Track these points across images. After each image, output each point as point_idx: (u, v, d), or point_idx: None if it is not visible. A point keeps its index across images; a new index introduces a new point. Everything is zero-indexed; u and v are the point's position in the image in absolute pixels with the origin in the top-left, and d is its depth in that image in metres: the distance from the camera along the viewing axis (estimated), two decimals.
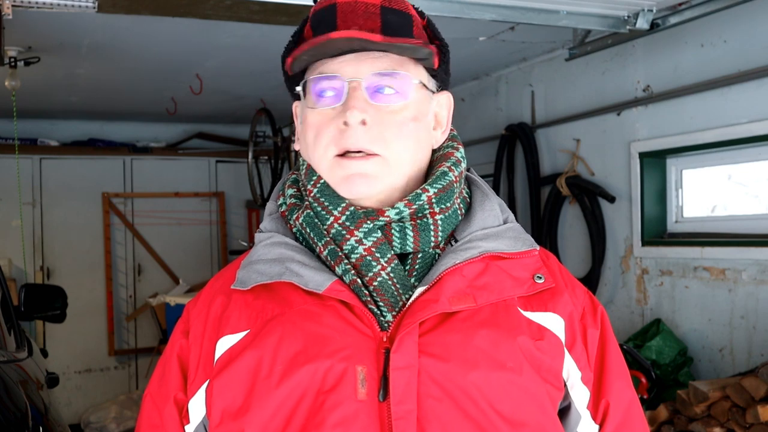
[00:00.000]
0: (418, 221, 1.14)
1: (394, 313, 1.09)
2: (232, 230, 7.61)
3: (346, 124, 1.11)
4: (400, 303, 1.10)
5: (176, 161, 7.36)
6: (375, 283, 1.10)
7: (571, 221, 4.58)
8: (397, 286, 1.11)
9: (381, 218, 1.12)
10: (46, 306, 3.84)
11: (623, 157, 4.14)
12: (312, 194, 1.16)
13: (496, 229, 1.17)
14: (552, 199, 4.59)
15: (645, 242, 4.04)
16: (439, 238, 1.15)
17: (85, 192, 7.02)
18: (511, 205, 5.02)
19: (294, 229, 1.19)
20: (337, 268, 1.11)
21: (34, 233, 6.82)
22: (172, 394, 1.19)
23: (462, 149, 1.25)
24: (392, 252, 1.12)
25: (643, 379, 3.50)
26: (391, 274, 1.11)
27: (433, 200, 1.15)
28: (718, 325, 3.64)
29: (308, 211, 1.16)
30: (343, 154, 1.12)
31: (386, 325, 1.08)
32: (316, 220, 1.15)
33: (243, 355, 1.10)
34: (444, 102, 1.25)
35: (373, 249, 1.11)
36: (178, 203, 7.37)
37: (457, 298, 1.09)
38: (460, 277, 1.10)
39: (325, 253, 1.13)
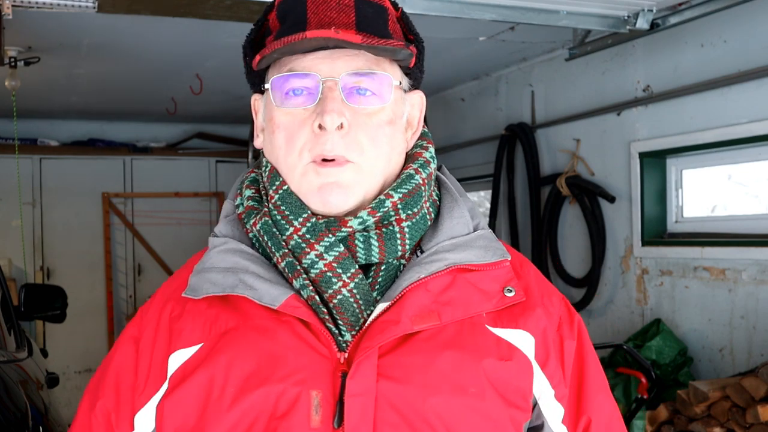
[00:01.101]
0: (384, 229, 1.06)
1: (353, 332, 1.02)
2: None
3: (321, 127, 1.03)
4: (361, 320, 1.03)
5: (176, 161, 7.36)
6: (335, 301, 1.02)
7: (571, 221, 4.58)
8: (360, 302, 1.03)
9: (343, 229, 1.04)
10: (46, 306, 3.84)
11: (623, 157, 4.14)
12: (273, 201, 1.08)
13: (464, 238, 1.09)
14: (552, 199, 4.59)
15: (645, 242, 4.04)
16: (407, 247, 1.07)
17: (85, 192, 7.02)
18: (511, 205, 5.02)
19: (250, 234, 1.11)
20: (294, 282, 1.04)
21: (34, 233, 6.82)
22: (105, 409, 1.11)
23: (432, 148, 1.16)
24: (356, 266, 1.04)
25: (643, 379, 3.50)
26: (354, 291, 1.03)
27: (399, 206, 1.07)
28: (718, 325, 3.64)
29: (266, 218, 1.07)
30: (319, 161, 1.05)
31: (344, 345, 1.01)
32: (274, 230, 1.06)
33: (195, 374, 1.03)
34: (416, 102, 1.16)
35: (335, 264, 1.03)
36: (178, 203, 7.37)
37: (420, 317, 1.01)
38: (425, 293, 1.03)
39: (282, 264, 1.05)
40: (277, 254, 1.05)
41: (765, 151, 3.51)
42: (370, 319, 1.01)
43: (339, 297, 1.02)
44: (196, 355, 1.05)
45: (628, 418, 3.50)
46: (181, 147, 7.38)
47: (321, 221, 1.05)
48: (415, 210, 1.08)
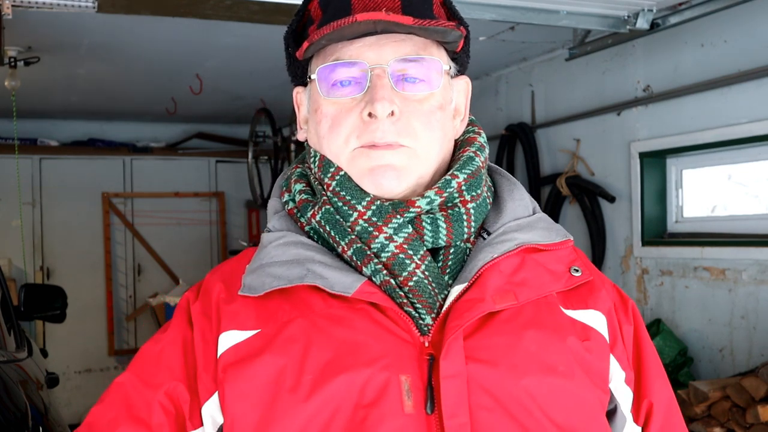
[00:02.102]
0: (449, 211, 1.04)
1: (432, 315, 0.99)
2: (232, 230, 7.61)
3: (371, 115, 1.00)
4: (437, 304, 1.00)
5: (176, 161, 7.36)
6: (410, 283, 0.99)
7: (571, 221, 4.58)
8: (433, 285, 1.00)
9: (411, 209, 1.02)
10: (46, 306, 3.84)
11: (623, 157, 4.14)
12: (331, 188, 1.04)
13: (527, 219, 1.08)
14: (552, 199, 4.59)
15: (645, 242, 4.04)
16: (472, 229, 1.05)
17: (85, 192, 7.02)
18: None
19: (307, 228, 1.08)
20: (365, 269, 1.01)
21: (33, 233, 6.82)
22: (166, 384, 1.03)
23: (484, 134, 1.14)
24: (424, 248, 1.02)
25: None
26: (426, 272, 1.00)
27: (463, 187, 1.05)
28: (718, 325, 3.64)
29: (327, 206, 1.04)
30: (368, 147, 1.02)
31: (426, 328, 0.98)
32: (337, 217, 1.03)
33: (259, 360, 0.97)
34: (463, 88, 1.14)
35: (406, 246, 1.00)
36: (178, 203, 7.37)
37: (500, 296, 0.99)
38: (498, 273, 1.01)
39: (349, 252, 1.02)
40: (343, 242, 1.02)
41: (765, 151, 3.51)
42: (450, 299, 0.99)
43: (414, 279, 1.00)
44: (253, 342, 1.00)
45: None
46: (181, 147, 7.38)
47: (387, 203, 1.02)
48: (478, 192, 1.06)
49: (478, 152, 1.09)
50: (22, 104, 5.67)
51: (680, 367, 3.72)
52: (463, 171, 1.06)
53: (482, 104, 5.38)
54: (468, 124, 1.14)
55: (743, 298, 3.50)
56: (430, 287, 1.00)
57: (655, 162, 4.04)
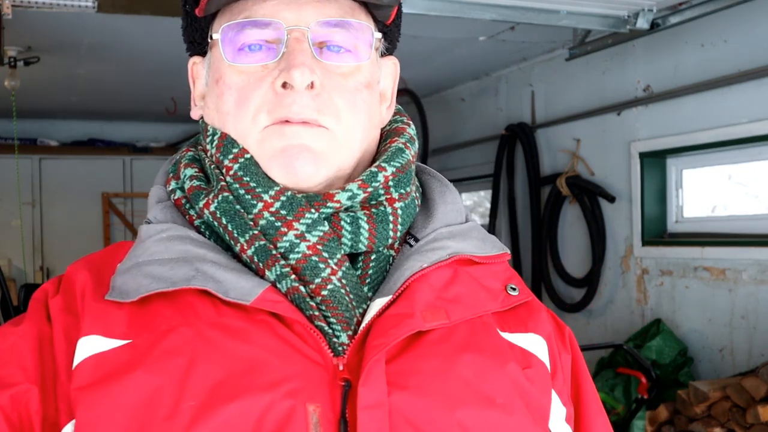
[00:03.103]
0: (374, 210, 0.87)
1: (349, 332, 0.81)
2: None
3: (285, 86, 0.83)
4: (355, 319, 0.82)
5: None
6: (324, 293, 0.82)
7: (572, 221, 4.58)
8: (351, 296, 0.83)
9: (329, 204, 0.85)
10: None
11: (623, 157, 4.14)
12: (231, 172, 0.86)
13: (460, 227, 0.92)
14: (552, 199, 4.59)
15: (645, 242, 4.04)
16: (398, 233, 0.89)
17: (85, 192, 7.02)
18: (511, 205, 5.02)
19: (197, 222, 0.89)
20: (268, 273, 0.82)
21: (33, 233, 6.82)
22: (16, 386, 0.80)
23: (413, 126, 0.99)
24: (342, 251, 0.85)
25: (644, 379, 3.50)
26: (343, 281, 0.83)
27: (391, 182, 0.89)
28: (719, 325, 3.64)
29: (226, 194, 0.85)
30: (281, 123, 0.85)
31: (341, 348, 0.80)
32: (237, 207, 0.85)
33: (127, 379, 0.76)
34: (391, 71, 0.98)
35: (320, 247, 0.83)
36: None
37: (430, 313, 0.83)
38: (428, 286, 0.85)
39: (250, 251, 0.83)
40: (242, 239, 0.84)
41: (765, 150, 3.51)
42: (370, 314, 0.82)
43: (329, 287, 0.82)
44: (119, 354, 0.79)
45: (628, 418, 3.50)
46: (181, 147, 7.37)
47: (300, 195, 0.85)
48: (407, 190, 0.91)
49: (408, 144, 0.93)
50: (21, 104, 5.67)
51: (680, 367, 3.72)
52: (391, 164, 0.89)
53: (482, 104, 5.38)
54: (395, 113, 0.99)
55: (743, 298, 3.50)
56: (347, 298, 0.83)
57: (655, 162, 4.03)
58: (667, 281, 3.92)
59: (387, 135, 0.96)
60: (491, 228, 5.12)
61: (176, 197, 0.92)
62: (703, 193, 3.95)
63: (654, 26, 3.50)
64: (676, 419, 3.26)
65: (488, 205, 5.28)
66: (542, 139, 4.80)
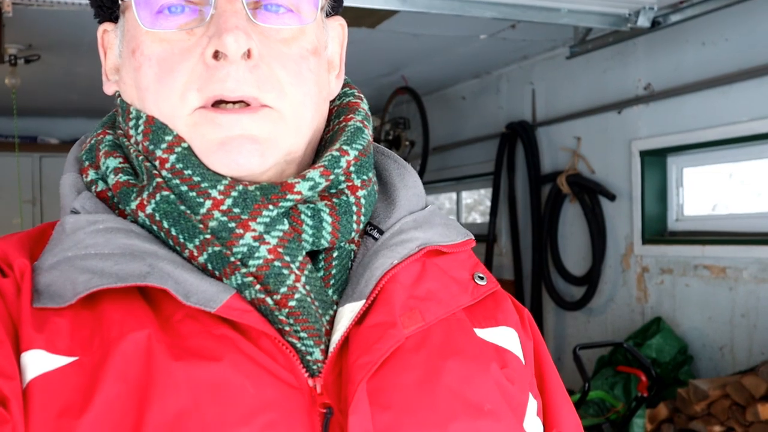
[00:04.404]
0: (335, 200, 0.75)
1: (322, 346, 0.70)
2: None
3: (217, 56, 0.70)
4: (323, 330, 0.71)
5: None
6: (291, 303, 0.70)
7: (572, 219, 4.58)
8: (316, 304, 0.72)
9: (289, 197, 0.72)
10: None
11: (624, 155, 4.14)
12: (168, 165, 0.72)
13: (423, 213, 0.82)
14: (552, 197, 4.59)
15: (645, 240, 4.04)
16: (361, 225, 0.78)
17: None
18: (512, 203, 5.02)
19: (129, 218, 0.74)
20: (227, 281, 0.70)
21: None
22: None
23: (365, 101, 0.86)
24: (303, 251, 0.73)
25: (643, 378, 3.50)
26: (308, 287, 0.72)
27: (352, 168, 0.77)
28: (719, 324, 3.64)
29: (165, 192, 0.71)
30: (214, 104, 0.71)
31: (315, 367, 0.69)
32: (181, 208, 0.71)
33: (79, 410, 0.62)
34: (338, 34, 0.85)
35: (281, 249, 0.71)
36: None
37: (406, 317, 0.73)
38: (398, 286, 0.75)
39: (202, 258, 0.70)
40: (190, 245, 0.70)
41: (766, 149, 3.51)
42: (343, 323, 0.71)
43: (297, 296, 0.70)
44: (68, 376, 0.64)
45: (628, 416, 3.50)
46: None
47: (252, 187, 0.72)
48: (369, 176, 0.79)
49: (365, 123, 0.81)
50: (22, 102, 5.67)
51: (680, 365, 3.72)
52: (353, 146, 0.77)
53: (483, 102, 5.37)
54: (345, 85, 0.86)
55: (744, 296, 3.50)
56: (313, 307, 0.72)
57: (655, 160, 4.03)
58: (668, 279, 3.92)
59: (338, 111, 0.83)
60: (491, 226, 5.12)
61: (98, 189, 0.76)
62: (704, 191, 3.95)
63: (655, 24, 3.50)
64: (676, 417, 3.26)
65: (489, 204, 5.28)
66: (543, 137, 4.80)
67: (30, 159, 6.78)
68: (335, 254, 0.76)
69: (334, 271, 0.76)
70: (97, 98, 6.03)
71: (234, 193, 0.71)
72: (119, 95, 0.80)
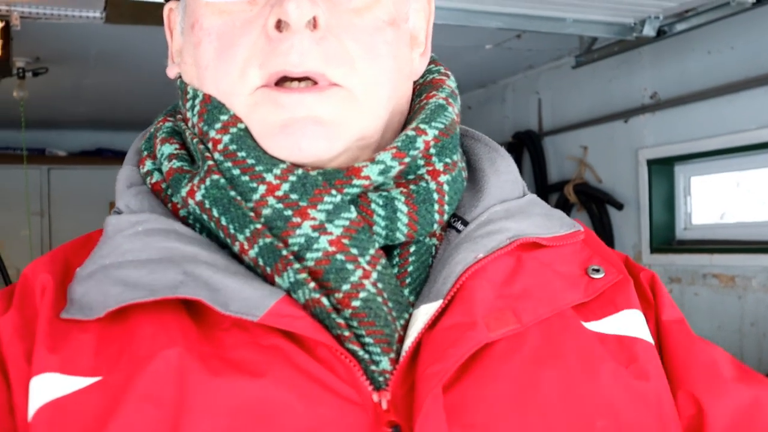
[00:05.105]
0: (412, 187, 0.67)
1: (392, 355, 0.61)
2: None
3: (280, 26, 0.63)
4: (396, 336, 0.62)
5: None
6: (355, 303, 0.61)
7: None
8: (389, 305, 0.63)
9: (355, 182, 0.64)
10: None
11: (631, 165, 4.13)
12: (220, 146, 0.65)
13: (518, 202, 0.72)
14: (560, 206, 4.58)
15: (653, 249, 4.02)
16: (445, 216, 0.68)
17: (93, 202, 7.03)
18: None
19: (183, 212, 0.68)
20: (278, 280, 0.62)
21: (42, 243, 6.83)
22: None
23: (453, 78, 0.77)
24: (376, 245, 0.64)
25: None
26: (379, 285, 0.63)
27: (433, 150, 0.68)
28: (728, 333, 3.62)
29: (215, 177, 0.64)
30: (278, 83, 0.65)
31: (382, 379, 0.61)
32: (231, 194, 0.64)
33: None
34: (422, 6, 0.75)
35: (346, 241, 0.62)
36: None
37: (494, 318, 0.63)
38: (487, 283, 0.65)
39: (252, 252, 0.62)
40: (241, 236, 0.63)
41: None
42: (417, 327, 0.62)
43: (362, 295, 0.61)
44: (87, 398, 0.57)
45: None
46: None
47: (314, 172, 0.64)
48: (453, 159, 0.70)
49: (449, 100, 0.72)
50: (30, 114, 5.69)
51: None
52: (432, 125, 0.68)
53: (489, 112, 5.38)
54: (430, 63, 0.77)
55: (753, 305, 3.49)
56: (385, 309, 0.62)
57: (662, 169, 4.03)
58: (676, 288, 3.90)
59: (420, 90, 0.75)
60: None
61: (154, 181, 0.71)
62: (712, 200, 3.93)
63: (660, 33, 3.49)
64: None
65: None
66: (549, 146, 4.79)
67: (38, 171, 6.80)
68: (412, 249, 0.67)
69: (410, 269, 0.67)
70: (104, 110, 6.06)
71: (292, 178, 0.63)
72: (180, 78, 0.75)
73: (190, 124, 0.71)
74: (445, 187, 0.68)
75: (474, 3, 3.06)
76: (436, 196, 0.67)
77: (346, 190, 0.64)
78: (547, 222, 0.71)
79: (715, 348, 0.74)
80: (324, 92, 0.64)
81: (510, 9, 3.17)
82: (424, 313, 0.63)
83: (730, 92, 3.50)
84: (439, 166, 0.68)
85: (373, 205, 0.65)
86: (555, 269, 0.69)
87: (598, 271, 0.70)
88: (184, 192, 0.66)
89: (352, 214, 0.63)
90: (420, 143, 0.66)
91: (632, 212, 4.14)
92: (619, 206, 4.15)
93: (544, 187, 4.75)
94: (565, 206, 4.57)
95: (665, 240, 4.04)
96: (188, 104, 0.71)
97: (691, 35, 3.60)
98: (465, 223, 0.70)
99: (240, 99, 0.66)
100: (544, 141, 4.81)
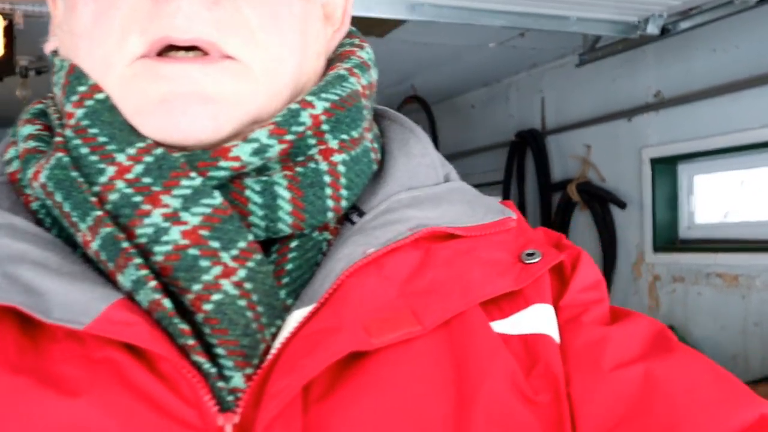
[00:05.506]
0: (299, 169, 0.57)
1: (250, 368, 0.52)
2: None
3: None
4: (262, 346, 0.53)
5: None
6: (208, 307, 0.51)
7: (582, 228, 4.56)
8: (258, 309, 0.53)
9: (222, 163, 0.54)
10: None
11: (634, 163, 4.13)
12: (73, 121, 0.56)
13: (434, 189, 0.62)
14: (563, 205, 4.58)
15: (657, 248, 4.02)
16: (342, 203, 0.58)
17: None
18: (522, 211, 5.01)
19: (35, 205, 0.58)
20: (120, 277, 0.52)
21: None
22: None
23: (369, 50, 0.67)
24: (248, 237, 0.54)
25: None
26: (246, 285, 0.53)
27: (325, 125, 0.58)
28: (732, 332, 3.62)
29: (60, 155, 0.55)
30: (162, 53, 0.55)
31: (231, 399, 0.51)
32: (73, 175, 0.55)
33: None
34: None
35: (204, 232, 0.52)
36: None
37: (382, 321, 0.53)
38: (380, 280, 0.55)
39: (95, 245, 0.53)
40: (83, 225, 0.53)
41: None
42: (282, 337, 0.53)
43: (216, 297, 0.52)
44: None
45: None
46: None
47: (177, 153, 0.55)
48: (352, 135, 0.60)
49: (355, 71, 0.62)
50: None
51: None
52: (322, 96, 0.58)
53: (492, 111, 5.37)
54: (348, 35, 0.68)
55: (757, 304, 3.48)
56: (249, 314, 0.52)
57: (666, 168, 4.02)
58: (680, 288, 3.90)
59: (330, 63, 0.66)
60: None
61: (12, 170, 0.60)
62: (716, 198, 3.93)
63: (664, 32, 3.49)
64: None
65: None
66: (553, 145, 4.79)
67: None
68: (294, 243, 0.57)
69: (289, 267, 0.56)
70: None
71: (148, 159, 0.53)
72: (55, 53, 0.64)
73: (57, 101, 0.61)
74: (341, 168, 0.58)
75: (477, 1, 3.06)
76: (327, 178, 0.57)
77: (210, 173, 0.54)
78: (468, 210, 0.62)
79: (615, 327, 0.62)
80: (214, 64, 0.55)
81: (513, 7, 3.16)
82: (293, 320, 0.54)
83: (734, 91, 3.50)
84: (333, 144, 0.58)
85: (247, 192, 0.55)
86: (477, 257, 0.59)
87: (533, 255, 0.61)
88: (30, 173, 0.57)
89: (216, 200, 0.53)
90: (305, 118, 0.57)
91: (635, 211, 4.13)
92: (622, 205, 4.14)
93: (547, 185, 4.75)
94: (568, 205, 4.57)
95: (668, 239, 4.04)
96: (55, 78, 0.61)
97: (695, 34, 3.60)
98: (362, 214, 0.60)
99: (115, 70, 0.55)
100: (548, 140, 4.81)
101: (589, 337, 0.60)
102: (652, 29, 3.44)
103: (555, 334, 0.61)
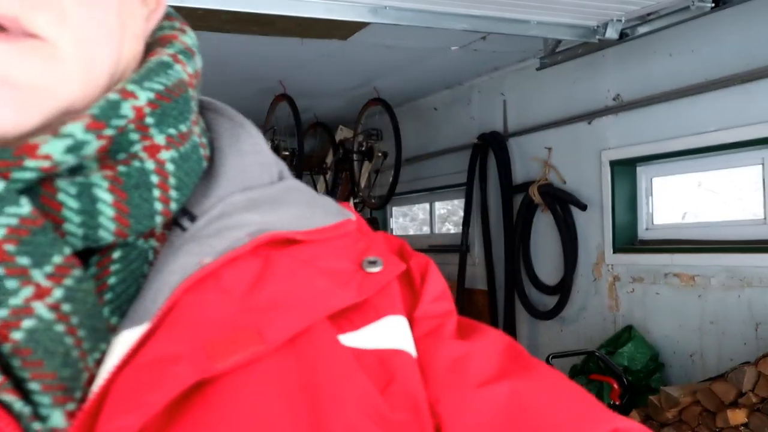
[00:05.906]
0: (121, 168, 0.49)
1: (71, 405, 0.45)
2: None
3: None
4: (84, 376, 0.46)
5: None
6: (17, 336, 0.43)
7: (544, 229, 4.61)
8: (78, 334, 0.46)
9: (28, 163, 0.45)
10: None
11: (594, 165, 4.18)
12: None
13: (269, 190, 0.57)
14: (524, 207, 4.62)
15: (616, 249, 4.08)
16: (172, 205, 0.52)
17: None
18: (484, 213, 5.04)
19: None
20: None
21: None
22: None
23: (192, 35, 0.61)
24: (66, 250, 0.46)
25: (615, 386, 3.53)
26: (64, 307, 0.45)
27: (149, 119, 0.51)
28: (689, 331, 3.68)
29: None
30: None
31: None
32: None
33: None
34: None
35: (10, 247, 0.44)
36: None
37: (223, 342, 0.48)
38: (218, 295, 0.50)
39: None
40: None
41: (734, 158, 3.57)
42: (108, 366, 0.46)
43: (28, 324, 0.44)
44: None
45: None
46: None
47: None
48: (183, 130, 0.54)
49: (180, 58, 0.56)
50: None
51: (652, 372, 3.76)
52: (145, 85, 0.52)
53: (455, 113, 5.41)
54: (166, 18, 0.61)
55: (713, 303, 3.55)
56: (69, 340, 0.45)
57: (625, 170, 4.08)
58: (638, 288, 3.96)
59: (149, 48, 0.58)
60: (464, 236, 5.14)
61: None
62: (673, 200, 4.00)
63: (623, 36, 3.54)
64: (648, 424, 3.29)
65: (462, 214, 5.30)
66: (514, 147, 4.83)
67: None
68: (116, 254, 0.49)
69: (112, 281, 0.49)
70: None
71: None
72: None
73: None
74: (169, 167, 0.52)
75: (440, 5, 3.08)
76: (155, 179, 0.51)
77: (14, 175, 0.45)
78: (307, 211, 0.58)
79: (473, 342, 0.60)
80: (16, 43, 0.46)
81: (475, 11, 3.19)
82: (123, 343, 0.46)
83: (691, 94, 3.57)
84: (160, 140, 0.52)
85: (61, 196, 0.47)
86: (319, 266, 0.54)
87: (374, 263, 0.57)
88: None
89: (23, 209, 0.45)
90: (127, 110, 0.49)
91: (596, 213, 4.19)
92: (583, 207, 4.19)
93: (509, 187, 4.79)
94: (529, 207, 4.61)
95: (628, 240, 4.10)
96: None
97: (653, 38, 3.66)
98: (193, 218, 0.54)
99: None
100: (509, 142, 4.85)
101: (450, 353, 0.58)
102: (611, 33, 3.49)
103: (411, 348, 0.58)
